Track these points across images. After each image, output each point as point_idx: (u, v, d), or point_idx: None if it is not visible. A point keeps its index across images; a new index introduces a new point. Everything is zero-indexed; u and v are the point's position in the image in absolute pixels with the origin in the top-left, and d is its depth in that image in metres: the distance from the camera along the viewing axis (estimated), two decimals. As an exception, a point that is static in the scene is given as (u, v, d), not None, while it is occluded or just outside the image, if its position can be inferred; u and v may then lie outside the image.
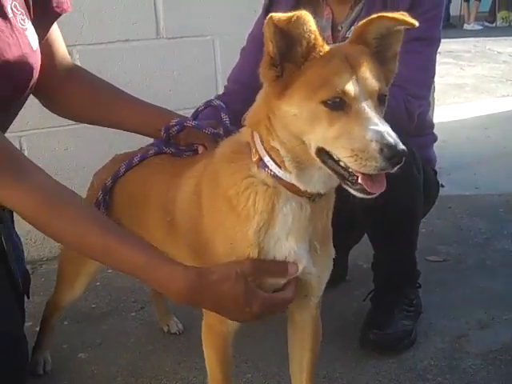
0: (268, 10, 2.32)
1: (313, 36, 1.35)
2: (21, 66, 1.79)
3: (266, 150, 1.48)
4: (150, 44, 3.36)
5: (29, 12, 1.86)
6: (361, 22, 1.44)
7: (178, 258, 1.69)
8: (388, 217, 2.19)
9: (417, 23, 1.42)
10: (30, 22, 1.84)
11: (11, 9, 1.77)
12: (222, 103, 1.91)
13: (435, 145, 2.59)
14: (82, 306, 2.78)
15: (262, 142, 1.49)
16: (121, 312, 2.72)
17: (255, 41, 2.37)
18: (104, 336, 2.52)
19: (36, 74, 1.87)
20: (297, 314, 1.74)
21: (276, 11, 2.15)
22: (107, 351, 2.42)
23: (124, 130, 2.08)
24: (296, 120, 1.36)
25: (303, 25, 1.33)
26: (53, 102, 2.09)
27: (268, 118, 1.44)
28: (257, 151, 1.50)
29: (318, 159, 1.38)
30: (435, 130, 2.58)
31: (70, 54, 3.07)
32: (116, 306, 2.78)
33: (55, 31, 2.02)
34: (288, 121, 1.38)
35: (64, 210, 1.57)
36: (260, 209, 1.50)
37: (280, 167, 1.47)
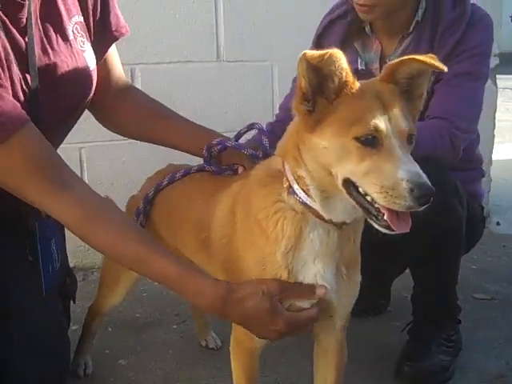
0: (318, 42, 2.39)
1: (344, 73, 1.39)
2: (77, 85, 1.91)
3: (294, 178, 1.54)
4: (210, 66, 3.47)
5: (89, 34, 1.98)
6: (392, 62, 1.49)
7: (211, 273, 1.78)
8: (428, 250, 2.20)
9: (445, 68, 1.47)
10: (89, 44, 1.96)
11: (72, 31, 1.89)
12: (263, 126, 1.98)
13: (494, 181, 2.57)
14: (127, 314, 2.88)
15: (290, 170, 1.55)
16: (163, 323, 2.79)
17: None
18: (144, 345, 2.60)
19: (91, 93, 1.98)
20: (322, 336, 1.78)
21: (326, 44, 2.29)
22: (146, 360, 2.49)
23: (171, 148, 2.15)
24: (326, 152, 1.41)
25: (335, 62, 1.37)
26: (106, 118, 2.19)
27: (297, 148, 1.49)
28: (286, 177, 1.56)
29: (344, 190, 1.42)
30: (496, 168, 2.57)
31: (132, 72, 3.29)
32: (159, 317, 2.85)
33: (113, 53, 2.14)
34: (318, 153, 1.43)
35: (104, 223, 1.67)
36: (288, 233, 1.56)
37: (308, 195, 1.52)
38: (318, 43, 2.37)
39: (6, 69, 1.67)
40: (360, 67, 2.30)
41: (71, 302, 2.32)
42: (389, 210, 1.36)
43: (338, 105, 1.40)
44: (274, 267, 1.58)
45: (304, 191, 1.52)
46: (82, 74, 1.91)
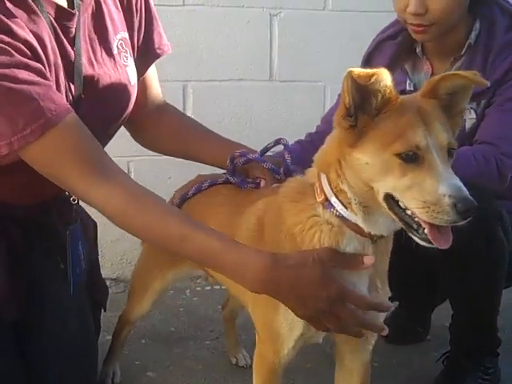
0: (367, 62, 2.35)
1: (388, 90, 1.40)
2: (118, 98, 1.95)
3: (333, 192, 1.52)
4: (262, 85, 3.47)
5: (132, 51, 2.02)
6: (435, 77, 1.50)
7: (237, 292, 1.79)
8: (468, 280, 2.10)
9: (488, 83, 1.51)
10: (132, 60, 2.01)
11: (117, 46, 1.94)
12: (288, 142, 1.99)
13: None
14: (162, 327, 2.88)
15: (329, 183, 1.53)
16: (196, 339, 2.77)
17: None
18: (175, 358, 2.59)
19: (131, 107, 2.02)
20: (347, 358, 1.74)
21: (375, 64, 2.26)
22: (175, 373, 2.48)
23: (203, 163, 2.16)
24: (367, 168, 1.42)
25: (380, 82, 1.38)
26: (140, 133, 2.22)
27: (338, 163, 1.49)
28: (322, 192, 1.55)
29: (384, 204, 1.43)
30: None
31: (184, 88, 3.33)
32: (193, 332, 2.84)
33: (152, 71, 2.17)
34: (359, 168, 1.44)
35: (146, 207, 1.65)
36: (325, 246, 1.53)
37: (346, 208, 1.51)
38: (367, 63, 2.34)
39: (53, 72, 1.72)
40: (408, 88, 2.25)
41: (102, 310, 2.34)
42: (430, 224, 1.37)
43: (379, 121, 1.41)
44: None
45: (343, 204, 1.51)
46: (123, 87, 1.95)
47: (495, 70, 2.13)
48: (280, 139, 1.99)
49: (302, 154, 2.23)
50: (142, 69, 2.08)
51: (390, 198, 1.41)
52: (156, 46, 2.11)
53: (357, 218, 1.50)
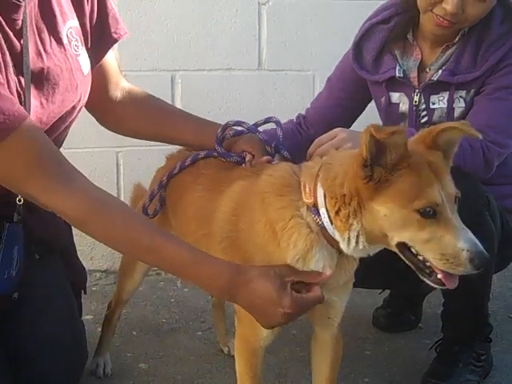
0: (358, 46, 2.33)
1: (403, 149, 1.48)
2: (70, 89, 1.88)
3: (325, 205, 1.58)
4: (251, 74, 3.44)
5: (86, 39, 1.95)
6: (435, 129, 1.57)
7: None
8: None
9: (480, 136, 1.61)
10: (83, 49, 1.93)
11: (66, 35, 1.87)
12: (279, 120, 2.04)
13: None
14: (153, 319, 2.86)
15: (325, 197, 1.58)
16: (188, 329, 2.76)
17: (340, 76, 2.45)
18: (167, 350, 2.57)
19: (84, 98, 1.95)
20: (319, 333, 1.86)
21: (365, 48, 2.28)
22: (167, 364, 2.46)
23: (178, 145, 2.14)
24: (385, 220, 1.49)
25: (397, 140, 1.45)
26: (108, 119, 2.17)
27: (359, 207, 1.53)
28: (312, 196, 1.60)
29: (396, 250, 1.53)
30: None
31: (172, 78, 3.30)
32: (185, 323, 2.83)
33: (110, 55, 2.10)
34: (377, 218, 1.50)
35: (111, 216, 1.65)
36: (298, 248, 1.62)
37: (331, 223, 1.57)
38: (358, 46, 2.32)
39: (2, 69, 1.67)
40: (398, 74, 2.23)
41: (83, 293, 2.31)
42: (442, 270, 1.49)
43: (397, 177, 1.48)
44: None
45: (331, 220, 1.57)
46: (75, 78, 1.89)
47: (487, 59, 2.12)
48: (271, 117, 2.02)
49: (291, 135, 2.35)
50: (98, 55, 2.02)
51: (402, 245, 1.51)
52: (112, 30, 2.03)
53: (339, 239, 1.58)
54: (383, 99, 2.29)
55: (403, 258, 1.53)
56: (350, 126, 2.37)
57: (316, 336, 1.87)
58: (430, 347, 2.38)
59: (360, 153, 1.48)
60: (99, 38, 2.00)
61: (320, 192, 1.59)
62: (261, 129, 2.06)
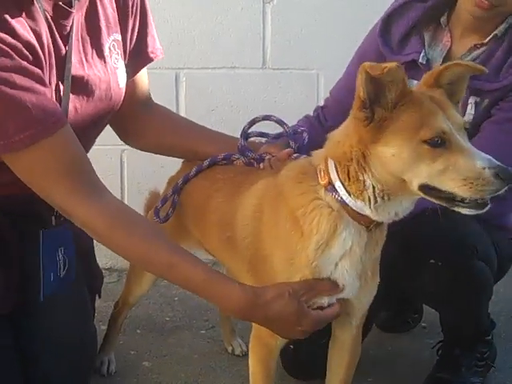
0: (387, 22, 2.22)
1: (402, 85, 1.45)
2: (106, 100, 1.92)
3: (338, 177, 1.56)
4: (255, 73, 3.44)
5: (125, 54, 2.00)
6: (439, 67, 1.58)
7: (235, 271, 1.84)
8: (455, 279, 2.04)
9: (486, 70, 1.60)
10: (122, 62, 1.98)
11: (109, 48, 1.92)
12: (280, 119, 2.03)
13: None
14: (157, 317, 2.87)
15: (336, 169, 1.57)
16: (191, 328, 2.77)
17: (360, 57, 2.30)
18: (171, 348, 2.58)
19: (116, 109, 2.00)
20: (338, 331, 1.83)
21: (395, 25, 2.19)
22: (171, 363, 2.47)
23: (200, 158, 2.10)
24: (395, 160, 1.46)
25: (393, 75, 1.43)
26: (126, 132, 2.20)
27: (363, 157, 1.51)
28: (326, 175, 1.59)
29: (421, 193, 1.48)
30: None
31: (177, 76, 3.31)
32: (188, 321, 2.84)
33: (143, 71, 2.15)
34: (386, 161, 1.47)
35: (133, 230, 1.68)
36: (322, 229, 1.59)
37: (349, 194, 1.54)
38: (387, 23, 2.21)
39: (47, 71, 1.71)
40: (421, 60, 2.13)
41: (97, 297, 2.34)
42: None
43: (398, 113, 1.46)
44: (303, 263, 1.61)
45: (347, 191, 1.54)
46: (111, 90, 1.93)
47: (511, 73, 2.04)
48: (271, 116, 2.02)
49: (310, 129, 2.22)
50: (132, 71, 2.06)
51: (425, 187, 1.46)
52: (149, 49, 2.09)
53: (363, 206, 1.54)
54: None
55: (430, 198, 1.48)
56: None
57: (335, 337, 1.85)
58: (432, 347, 2.37)
59: (357, 94, 1.46)
60: (136, 55, 2.05)
61: (331, 166, 1.58)
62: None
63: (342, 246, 1.59)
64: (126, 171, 3.35)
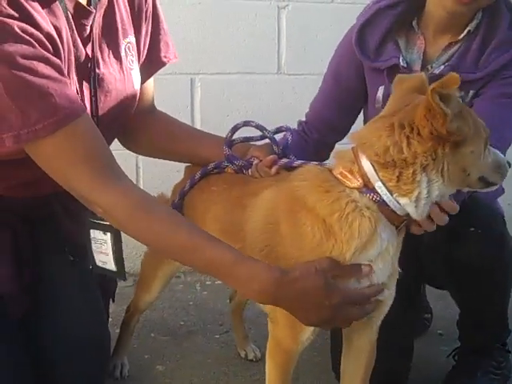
0: (361, 32, 2.24)
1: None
2: (121, 99, 1.92)
3: (379, 178, 1.54)
4: (271, 78, 3.46)
5: (139, 57, 2.01)
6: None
7: None
8: (473, 275, 2.06)
9: None
10: (137, 64, 1.99)
11: (125, 49, 1.93)
12: (290, 127, 2.04)
13: None
14: (172, 321, 2.88)
15: (375, 170, 1.55)
16: (206, 332, 2.77)
17: (335, 69, 2.38)
18: (184, 352, 2.59)
19: (131, 110, 2.00)
20: (355, 337, 1.79)
21: (369, 34, 2.21)
22: (184, 367, 2.47)
23: (197, 163, 2.11)
24: (472, 156, 1.55)
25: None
26: (128, 138, 2.18)
27: (433, 158, 1.51)
28: (361, 177, 1.56)
29: (478, 183, 1.61)
30: None
31: (192, 81, 3.33)
32: (203, 326, 2.84)
33: (151, 79, 2.15)
34: (464, 157, 1.54)
35: (153, 215, 1.65)
36: (364, 231, 1.56)
37: (391, 193, 1.54)
38: (362, 33, 2.23)
39: (66, 67, 1.71)
40: (401, 64, 2.14)
41: (111, 301, 2.34)
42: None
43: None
44: None
45: (389, 190, 1.54)
46: (127, 90, 1.94)
47: (491, 62, 2.07)
48: (250, 121, 2.01)
49: (296, 143, 2.23)
50: (144, 76, 2.06)
51: (481, 178, 1.60)
52: (162, 54, 2.09)
53: (408, 203, 1.54)
54: (381, 88, 2.20)
55: (476, 188, 1.63)
56: (351, 125, 2.35)
57: (350, 343, 1.81)
58: (448, 355, 2.35)
59: (437, 112, 1.46)
60: (149, 59, 2.06)
61: (369, 168, 1.55)
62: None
63: (379, 246, 1.58)
64: (142, 176, 3.36)
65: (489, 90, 2.09)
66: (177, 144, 2.15)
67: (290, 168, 1.82)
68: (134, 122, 2.09)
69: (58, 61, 1.62)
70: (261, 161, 1.90)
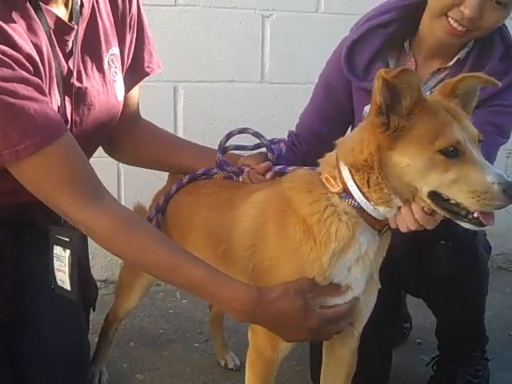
0: (352, 49, 2.21)
1: (417, 92, 1.47)
2: (104, 112, 1.93)
3: (356, 184, 1.56)
4: (254, 87, 3.46)
5: (122, 67, 2.01)
6: (454, 79, 1.59)
7: None
8: (450, 284, 2.08)
9: (500, 83, 1.64)
10: (121, 76, 2.00)
11: (108, 61, 1.94)
12: (283, 139, 2.10)
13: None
14: (151, 329, 2.86)
15: (352, 176, 1.57)
16: (185, 341, 2.76)
17: (324, 83, 2.36)
18: (164, 361, 2.57)
19: (115, 121, 2.01)
20: (337, 345, 1.80)
21: (359, 51, 2.19)
22: (163, 376, 2.46)
23: (182, 172, 2.10)
24: (409, 170, 1.47)
25: (410, 81, 1.45)
26: (113, 147, 2.19)
27: (380, 165, 1.52)
28: (341, 182, 1.59)
29: (429, 201, 1.49)
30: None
31: (175, 89, 3.32)
32: (182, 334, 2.82)
33: (136, 87, 2.15)
34: (401, 171, 1.48)
35: (134, 234, 1.68)
36: (341, 236, 1.59)
37: (368, 200, 1.55)
38: (352, 50, 2.21)
39: (48, 83, 1.72)
40: None
41: (91, 310, 2.31)
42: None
43: (414, 122, 1.48)
44: (316, 272, 1.60)
45: (365, 196, 1.55)
46: (110, 102, 1.95)
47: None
48: (247, 128, 2.02)
49: (286, 155, 2.21)
50: (128, 85, 2.07)
51: (434, 194, 1.47)
52: (145, 64, 2.10)
53: (386, 210, 1.55)
54: (368, 107, 2.15)
55: (437, 208, 1.49)
56: (342, 136, 2.34)
57: (331, 352, 1.82)
58: (427, 363, 2.36)
59: (374, 101, 1.48)
60: (133, 69, 2.06)
61: (346, 173, 1.58)
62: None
63: (357, 251, 1.60)
64: (123, 184, 3.34)
65: (475, 117, 2.06)
66: (162, 153, 2.16)
67: (284, 174, 1.84)
68: (119, 131, 2.09)
69: (37, 80, 1.63)
70: (253, 169, 1.90)
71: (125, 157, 2.26)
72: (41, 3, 1.70)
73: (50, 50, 1.73)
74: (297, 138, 2.35)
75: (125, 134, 2.14)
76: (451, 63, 2.10)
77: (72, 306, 2.08)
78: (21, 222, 2.01)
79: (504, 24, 2.09)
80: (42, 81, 1.67)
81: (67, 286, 1.88)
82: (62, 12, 1.78)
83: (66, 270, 1.86)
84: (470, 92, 1.60)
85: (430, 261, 2.05)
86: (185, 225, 1.95)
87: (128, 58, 2.04)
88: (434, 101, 1.54)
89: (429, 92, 2.08)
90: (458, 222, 1.49)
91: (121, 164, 3.28)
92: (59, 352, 1.98)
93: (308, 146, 2.29)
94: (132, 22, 2.02)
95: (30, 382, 1.96)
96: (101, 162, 3.18)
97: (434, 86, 2.10)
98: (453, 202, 1.46)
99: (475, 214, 1.46)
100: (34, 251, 2.03)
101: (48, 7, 1.73)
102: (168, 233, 2.00)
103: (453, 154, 1.44)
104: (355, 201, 1.57)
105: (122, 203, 3.31)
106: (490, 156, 2.00)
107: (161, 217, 2.02)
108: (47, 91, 1.70)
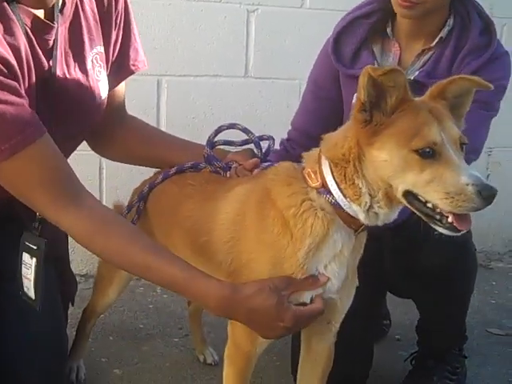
0: (337, 40, 2.26)
1: (403, 91, 1.47)
2: (87, 111, 1.93)
3: (334, 180, 1.56)
4: (238, 82, 3.45)
5: (107, 65, 2.00)
6: (443, 81, 1.58)
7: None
8: (433, 280, 2.09)
9: (492, 86, 1.58)
10: (105, 74, 1.98)
11: (91, 61, 1.92)
12: (272, 136, 2.02)
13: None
14: (131, 324, 2.85)
15: (331, 171, 1.57)
16: (165, 336, 2.75)
17: (313, 83, 2.39)
18: (143, 356, 2.56)
19: (98, 120, 2.00)
20: (314, 341, 1.80)
21: (344, 43, 2.22)
22: (142, 371, 2.45)
23: (167, 165, 2.08)
24: (386, 165, 1.47)
25: (396, 80, 1.45)
26: (98, 143, 2.19)
27: (358, 159, 1.52)
28: (320, 177, 1.59)
29: (404, 200, 1.48)
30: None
31: (159, 82, 3.30)
32: (162, 329, 2.81)
33: (122, 83, 2.14)
34: (378, 165, 1.48)
35: (111, 234, 1.68)
36: (316, 231, 1.58)
37: (345, 197, 1.54)
38: (337, 41, 2.26)
39: (26, 84, 1.70)
40: None
41: (70, 304, 2.30)
42: (454, 213, 1.43)
43: (395, 119, 1.48)
44: (293, 266, 1.59)
45: (343, 193, 1.54)
46: (93, 101, 1.93)
47: (463, 68, 2.10)
48: (236, 124, 2.00)
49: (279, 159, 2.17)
50: (113, 83, 2.05)
51: (409, 194, 1.47)
52: (131, 62, 2.08)
53: (358, 210, 1.54)
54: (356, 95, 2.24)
55: (412, 208, 1.48)
56: None
57: (309, 347, 1.82)
58: (405, 359, 2.37)
59: (358, 96, 1.48)
60: (118, 67, 2.04)
61: (326, 168, 1.58)
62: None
63: (332, 248, 1.59)
64: (105, 177, 3.32)
65: None
66: (149, 149, 2.15)
67: None
68: (104, 128, 2.08)
69: (13, 83, 1.61)
70: (240, 165, 1.90)
71: (111, 153, 2.24)
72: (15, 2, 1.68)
73: (28, 50, 1.71)
74: (291, 142, 2.35)
75: (111, 131, 2.13)
76: (434, 43, 2.14)
77: (50, 298, 2.07)
78: (1, 215, 1.98)
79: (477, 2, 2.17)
80: (18, 82, 1.65)
81: (31, 294, 1.87)
82: (40, 10, 1.75)
83: (32, 278, 1.85)
84: (462, 95, 1.59)
85: (422, 251, 2.05)
86: (168, 215, 1.94)
87: (113, 56, 2.02)
88: (420, 101, 1.54)
89: (417, 73, 2.13)
90: (433, 226, 1.48)
91: (103, 158, 3.26)
92: (38, 346, 1.96)
93: (304, 148, 2.28)
94: (118, 20, 2.00)
95: (8, 375, 1.94)
96: (82, 156, 3.21)
97: (422, 67, 2.15)
98: (429, 205, 1.45)
99: (449, 219, 1.44)
100: (15, 243, 2.00)
101: (24, 6, 1.70)
102: (148, 221, 2.01)
103: (429, 154, 1.43)
104: (333, 197, 1.56)
105: (104, 198, 3.33)
106: (476, 132, 2.02)
107: (142, 204, 2.01)
108: (25, 92, 1.68)
